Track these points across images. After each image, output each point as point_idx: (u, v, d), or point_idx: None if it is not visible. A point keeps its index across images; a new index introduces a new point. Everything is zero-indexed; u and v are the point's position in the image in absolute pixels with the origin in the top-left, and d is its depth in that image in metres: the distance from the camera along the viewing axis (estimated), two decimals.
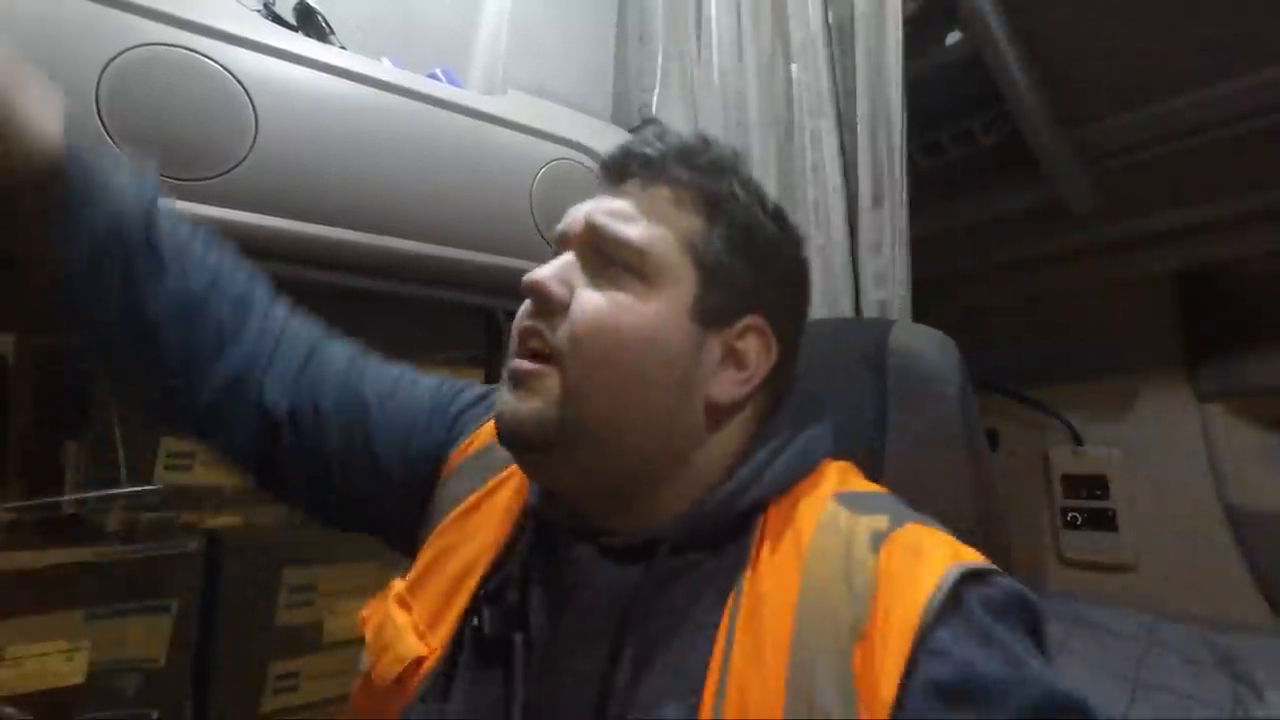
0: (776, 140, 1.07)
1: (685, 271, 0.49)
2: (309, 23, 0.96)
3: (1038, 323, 1.33)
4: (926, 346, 0.61)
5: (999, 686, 0.36)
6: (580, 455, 0.47)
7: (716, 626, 0.43)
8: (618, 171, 0.53)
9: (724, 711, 0.40)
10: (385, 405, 0.61)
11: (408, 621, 0.52)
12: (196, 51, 0.77)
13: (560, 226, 0.53)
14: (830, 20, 1.04)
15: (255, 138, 0.80)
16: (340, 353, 0.64)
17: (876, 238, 0.95)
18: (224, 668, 1.06)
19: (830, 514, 0.46)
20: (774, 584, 0.43)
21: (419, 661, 0.50)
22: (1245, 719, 1.00)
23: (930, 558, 0.41)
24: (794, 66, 1.05)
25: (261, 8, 0.92)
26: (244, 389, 0.57)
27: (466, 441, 0.61)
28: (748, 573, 0.45)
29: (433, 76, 1.01)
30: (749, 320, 0.50)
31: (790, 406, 0.53)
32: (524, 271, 0.50)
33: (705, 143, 0.53)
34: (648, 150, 0.52)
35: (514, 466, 0.56)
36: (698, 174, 0.51)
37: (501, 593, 0.49)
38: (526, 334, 0.49)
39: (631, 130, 1.29)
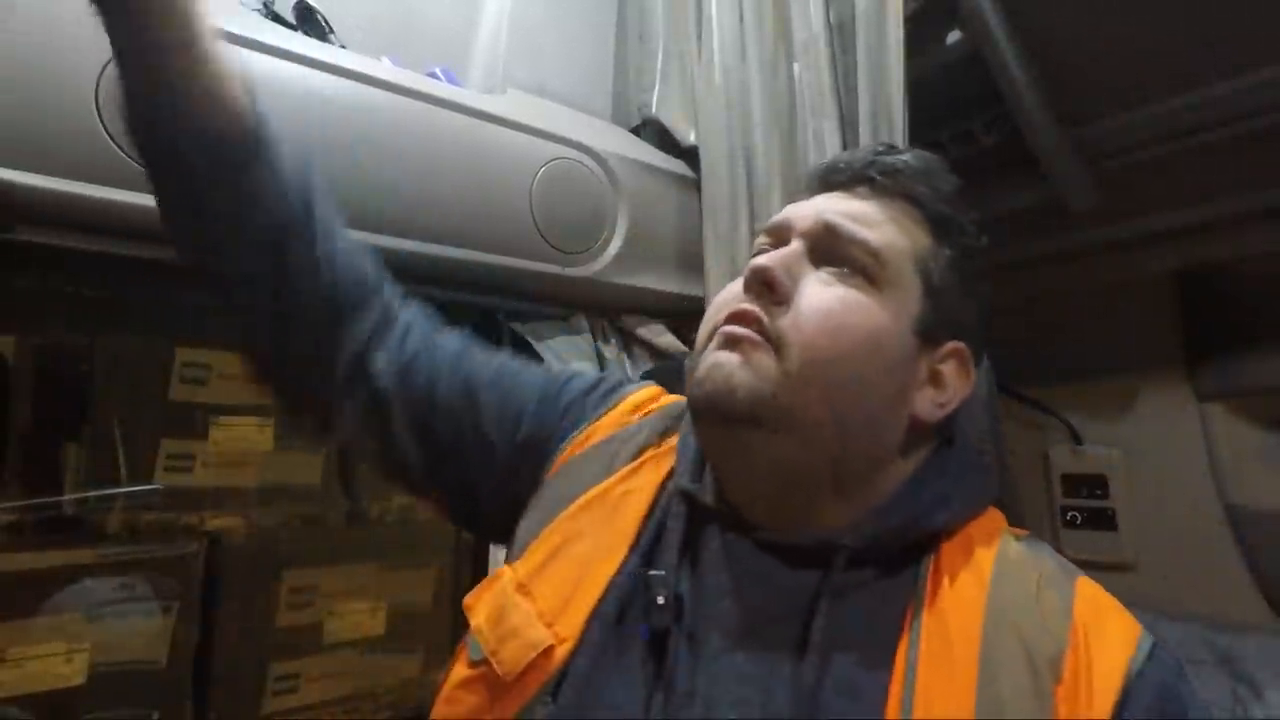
0: (779, 139, 1.07)
1: (913, 285, 0.50)
2: (308, 22, 0.96)
3: (1038, 323, 1.32)
4: None
5: None
6: (781, 441, 0.46)
7: (895, 647, 0.43)
8: (851, 176, 0.54)
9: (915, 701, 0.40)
10: (494, 392, 0.61)
11: (533, 609, 0.49)
12: None
13: (780, 218, 0.53)
14: (831, 19, 1.04)
15: None
16: (452, 340, 0.65)
17: None
18: (224, 668, 1.06)
19: (1007, 546, 0.48)
20: (956, 610, 0.44)
21: (548, 651, 0.47)
22: (1245, 719, 1.00)
23: (1120, 616, 0.45)
24: (796, 66, 1.05)
25: (261, 7, 0.92)
26: (364, 363, 0.58)
27: (584, 434, 0.60)
28: (927, 597, 0.45)
29: (432, 76, 1.01)
30: (953, 345, 0.52)
31: (960, 446, 0.54)
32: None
33: (941, 165, 0.54)
34: (892, 161, 0.52)
35: (649, 455, 0.56)
36: (935, 194, 0.52)
37: (651, 582, 0.48)
38: (744, 317, 0.48)
39: (633, 130, 1.29)
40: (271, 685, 1.12)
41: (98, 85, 0.71)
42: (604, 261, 1.07)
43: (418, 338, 0.62)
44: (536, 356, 1.11)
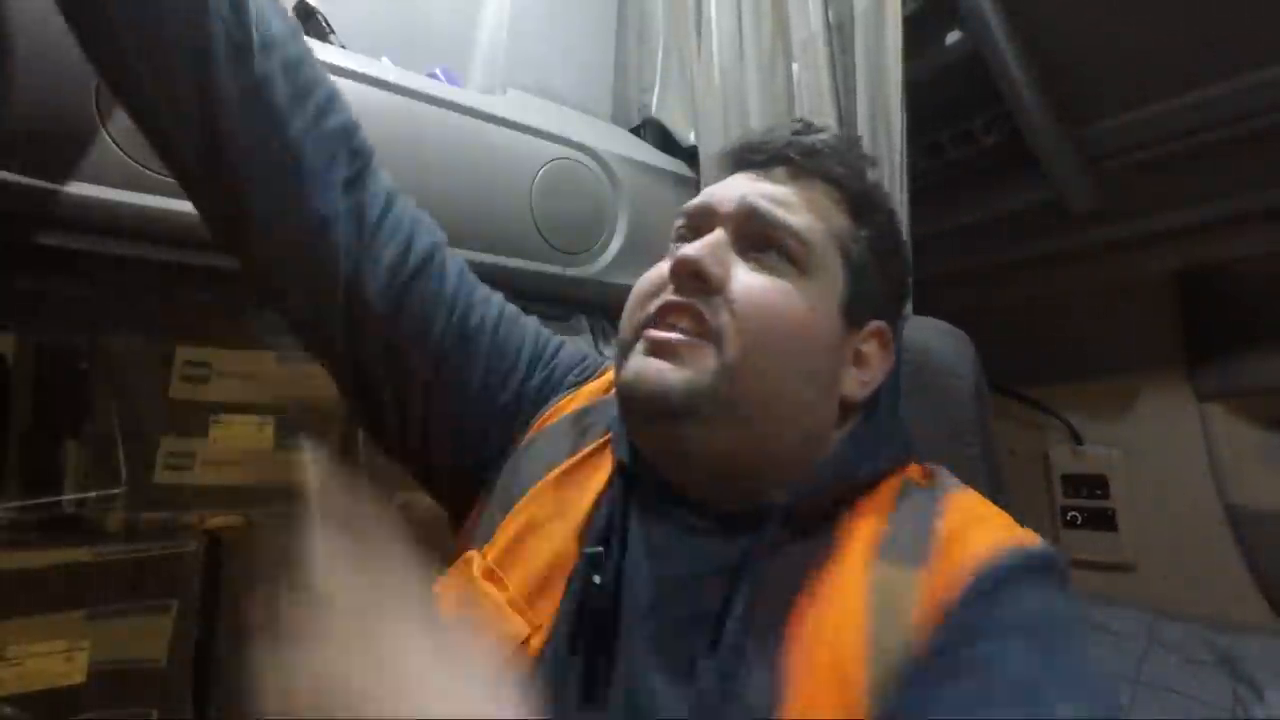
0: None
1: (836, 268, 0.50)
2: (309, 22, 0.96)
3: (1037, 322, 1.32)
4: (940, 341, 0.62)
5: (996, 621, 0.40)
6: (720, 431, 0.46)
7: (804, 598, 0.43)
8: (769, 157, 0.52)
9: (806, 652, 0.41)
10: (490, 343, 0.59)
11: (500, 597, 0.48)
12: None
13: (700, 202, 0.53)
14: (830, 19, 1.04)
15: None
16: (453, 265, 0.62)
17: None
18: (224, 669, 1.06)
19: (910, 486, 0.49)
20: (856, 557, 0.44)
21: (525, 641, 0.46)
22: (1245, 719, 1.00)
23: (987, 526, 0.45)
24: (794, 66, 1.05)
25: None
26: (356, 278, 0.53)
27: (564, 400, 0.59)
28: (837, 549, 0.45)
29: (432, 76, 1.01)
30: (874, 326, 0.52)
31: (885, 411, 0.54)
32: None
33: (856, 143, 0.54)
34: (810, 141, 0.51)
35: (604, 441, 0.55)
36: (851, 175, 0.51)
37: (592, 560, 0.47)
38: (676, 310, 0.47)
39: (633, 130, 1.29)
40: None
41: (98, 85, 0.71)
42: (604, 261, 1.07)
43: (417, 250, 0.57)
44: None
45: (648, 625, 0.45)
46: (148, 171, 0.74)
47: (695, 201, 0.53)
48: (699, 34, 1.18)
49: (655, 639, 0.44)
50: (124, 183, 0.73)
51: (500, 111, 1.00)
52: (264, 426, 1.18)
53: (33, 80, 0.70)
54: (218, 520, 1.12)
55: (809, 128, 0.53)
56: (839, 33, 1.04)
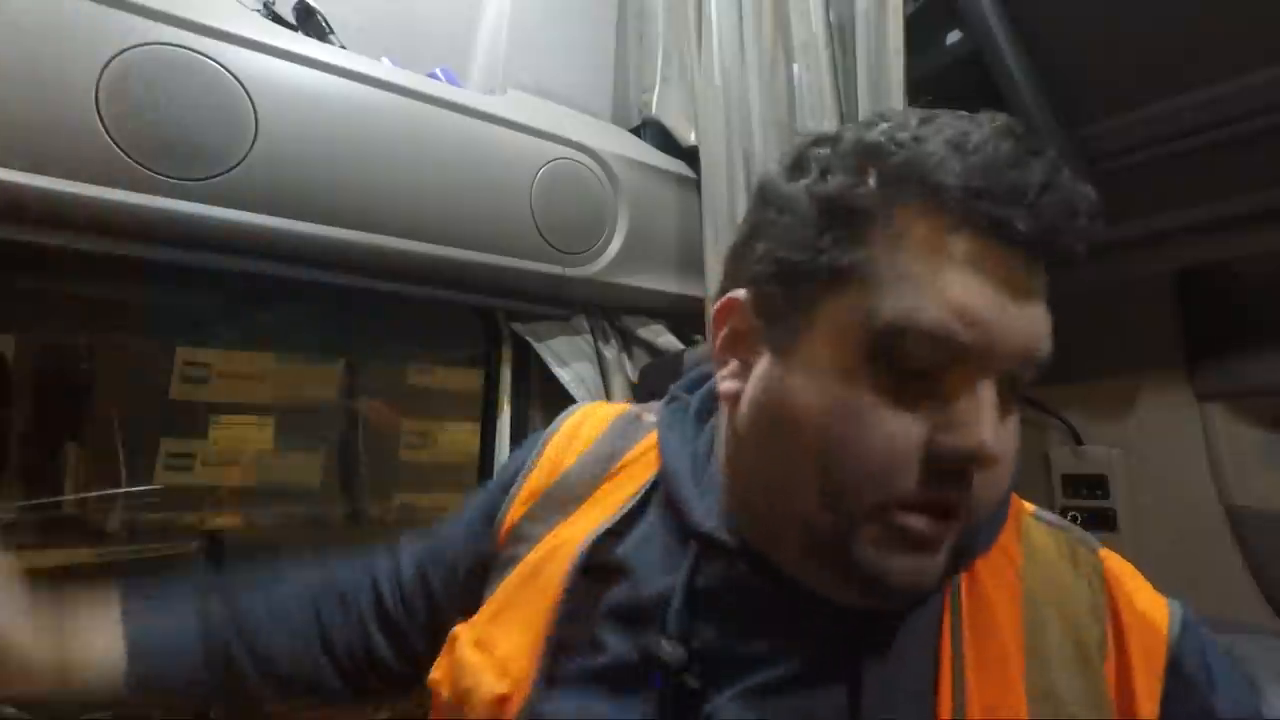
0: (778, 140, 1.07)
1: None
2: (309, 22, 0.96)
3: None
4: None
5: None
6: None
7: (937, 644, 0.42)
8: (1038, 249, 0.39)
9: None
10: (445, 582, 0.61)
11: (485, 662, 0.47)
12: (196, 51, 0.77)
13: (974, 338, 0.37)
14: (831, 20, 1.04)
15: (255, 137, 0.80)
16: (403, 577, 0.63)
17: None
18: None
19: (1028, 523, 0.47)
20: (994, 597, 0.43)
21: (502, 700, 0.45)
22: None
23: (1144, 582, 0.46)
24: (795, 66, 1.05)
25: (261, 7, 0.92)
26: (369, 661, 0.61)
27: (522, 497, 0.57)
28: (963, 589, 0.43)
29: (433, 76, 1.01)
30: None
31: None
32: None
33: (1085, 189, 0.40)
34: (1077, 237, 0.39)
35: (599, 493, 0.54)
36: (1084, 244, 0.40)
37: (648, 614, 0.45)
38: (947, 504, 0.38)
39: (633, 130, 1.29)
40: None
41: (98, 85, 0.71)
42: (604, 262, 1.07)
43: (426, 613, 0.61)
44: (537, 357, 1.11)
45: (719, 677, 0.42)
46: (148, 171, 0.74)
47: (965, 334, 0.37)
48: (699, 34, 1.18)
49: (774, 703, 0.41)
50: (124, 183, 0.73)
51: (500, 111, 1.00)
52: (264, 426, 1.18)
53: (33, 80, 0.70)
54: (218, 520, 1.12)
55: (1044, 146, 0.39)
56: (840, 33, 1.04)
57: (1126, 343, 1.24)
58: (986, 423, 0.37)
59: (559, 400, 1.08)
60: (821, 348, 0.40)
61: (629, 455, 0.55)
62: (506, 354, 1.13)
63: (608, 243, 1.08)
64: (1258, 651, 1.05)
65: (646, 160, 1.16)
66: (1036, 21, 0.94)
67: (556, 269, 1.03)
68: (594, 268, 1.07)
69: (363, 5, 1.06)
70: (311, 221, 0.84)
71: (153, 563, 1.02)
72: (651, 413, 0.58)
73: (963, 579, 0.44)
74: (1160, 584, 0.47)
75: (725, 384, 0.46)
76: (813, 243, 0.40)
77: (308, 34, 0.93)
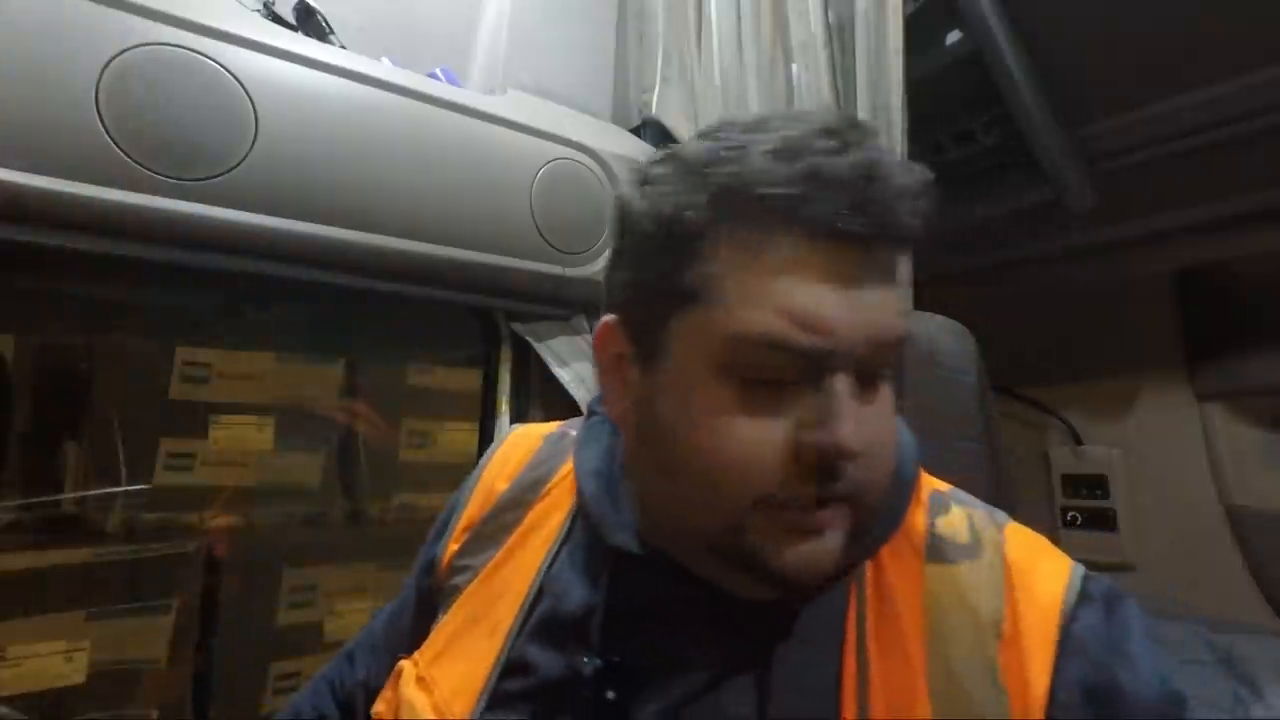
0: None
1: None
2: (309, 22, 0.96)
3: (1037, 322, 1.32)
4: (943, 336, 0.62)
5: (1132, 688, 0.40)
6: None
7: (844, 632, 0.42)
8: (866, 237, 0.38)
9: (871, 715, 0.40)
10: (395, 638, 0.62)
11: (426, 702, 0.48)
12: (196, 51, 0.77)
13: (815, 343, 0.38)
14: (831, 20, 1.04)
15: (255, 137, 0.80)
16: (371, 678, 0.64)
17: None
18: (224, 668, 1.06)
19: (936, 505, 0.47)
20: (898, 587, 0.43)
21: None
22: (1245, 719, 1.00)
23: (1049, 555, 0.44)
24: (794, 66, 1.05)
25: (261, 7, 0.92)
26: None
27: (459, 529, 0.57)
28: (868, 582, 0.44)
29: (433, 76, 1.01)
30: None
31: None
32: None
33: (912, 169, 0.40)
34: (911, 219, 0.39)
35: (532, 516, 0.54)
36: (926, 215, 0.40)
37: (572, 630, 0.46)
38: (825, 496, 0.39)
39: (633, 130, 1.29)
40: (272, 684, 1.12)
41: (98, 85, 0.71)
42: (604, 261, 1.07)
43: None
44: (536, 357, 1.11)
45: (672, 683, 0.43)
46: (148, 171, 0.74)
47: (800, 338, 0.38)
48: (699, 34, 1.18)
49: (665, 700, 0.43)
50: (124, 183, 0.73)
51: (500, 111, 1.00)
52: (264, 426, 1.18)
53: (33, 79, 0.70)
54: (218, 520, 1.12)
55: (890, 158, 0.39)
56: (839, 33, 1.04)
57: (1126, 343, 1.24)
58: (841, 417, 0.37)
59: (559, 400, 1.08)
60: (680, 364, 0.41)
61: (556, 476, 0.56)
62: (506, 354, 1.13)
63: (608, 243, 1.08)
64: (1258, 651, 1.05)
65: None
66: (1036, 21, 0.94)
67: (556, 269, 1.03)
68: (594, 268, 1.07)
69: (363, 5, 1.06)
70: (311, 221, 0.84)
71: (153, 562, 1.02)
72: (574, 429, 0.59)
73: (868, 566, 0.44)
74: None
75: (610, 407, 0.48)
76: (658, 264, 0.42)
77: (308, 34, 0.93)
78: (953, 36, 1.03)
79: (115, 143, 0.72)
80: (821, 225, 0.37)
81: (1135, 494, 1.24)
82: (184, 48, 0.76)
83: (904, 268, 0.41)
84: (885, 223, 0.38)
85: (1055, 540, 1.53)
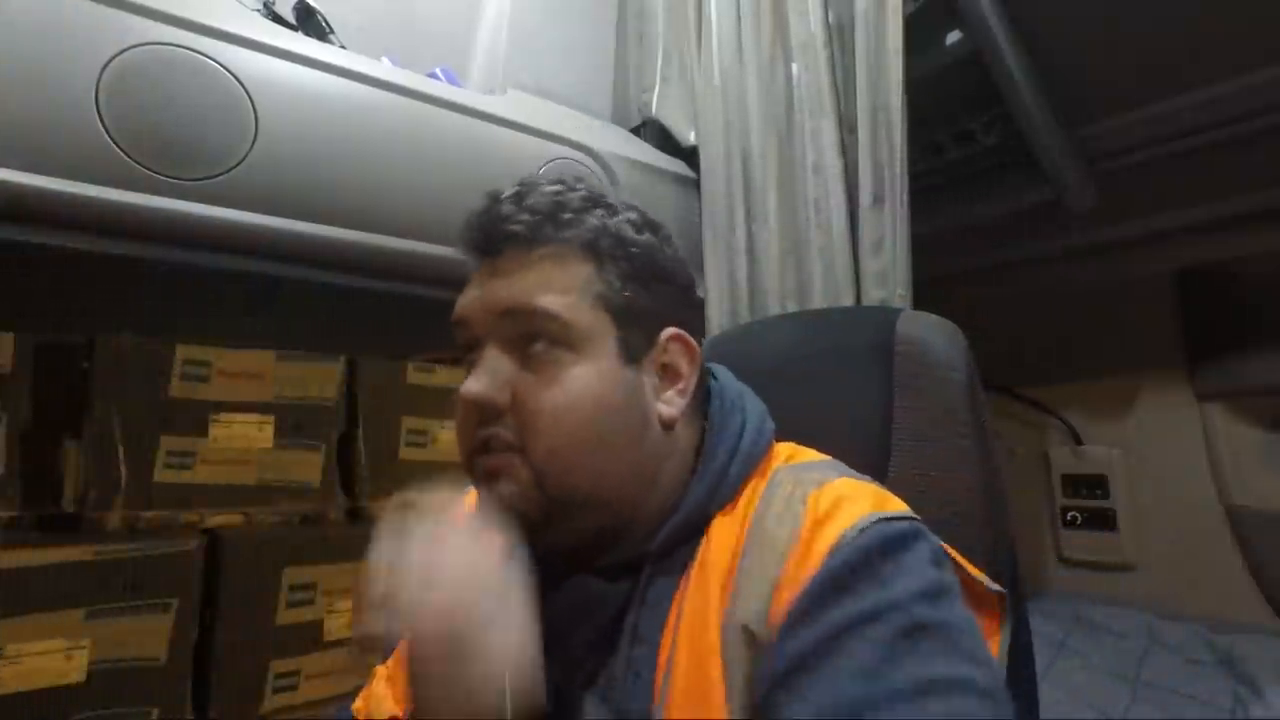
0: (777, 140, 1.07)
1: (601, 322, 0.49)
2: (309, 22, 0.96)
3: (1038, 322, 1.33)
4: (934, 335, 0.61)
5: (870, 594, 0.40)
6: (573, 523, 0.48)
7: (675, 592, 0.47)
8: (494, 240, 0.50)
9: (672, 675, 0.44)
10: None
11: (391, 693, 0.54)
12: (197, 51, 0.77)
13: (456, 317, 0.51)
14: (830, 20, 1.04)
15: (255, 137, 0.80)
16: None
17: (877, 237, 0.95)
18: (224, 667, 1.06)
19: (774, 483, 0.49)
20: (720, 538, 0.47)
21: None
22: (1245, 719, 1.00)
23: (855, 500, 0.45)
24: (794, 66, 1.05)
25: (261, 7, 0.92)
26: None
27: None
28: (699, 554, 0.47)
29: (433, 76, 1.01)
30: (667, 334, 0.52)
31: (723, 396, 0.54)
32: None
33: (560, 189, 0.51)
34: (517, 228, 0.49)
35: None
36: (568, 227, 0.50)
37: None
38: (481, 444, 0.48)
39: (633, 130, 1.29)
40: (271, 683, 1.12)
41: (98, 85, 0.71)
42: None
43: None
44: None
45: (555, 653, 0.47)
46: (148, 171, 0.74)
47: (454, 316, 0.52)
48: (699, 34, 1.18)
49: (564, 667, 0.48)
50: (124, 183, 0.73)
51: (500, 111, 1.00)
52: (264, 426, 1.18)
53: (33, 80, 0.70)
54: (218, 520, 1.12)
55: (517, 194, 0.51)
56: (839, 33, 1.04)
57: (1126, 342, 1.24)
58: (473, 376, 0.48)
59: None
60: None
61: None
62: None
63: None
64: (1258, 651, 1.06)
65: (646, 160, 1.16)
66: (1036, 21, 0.94)
67: None
68: None
69: (363, 5, 1.06)
70: (311, 221, 0.84)
71: (153, 561, 1.02)
72: None
73: (707, 531, 0.49)
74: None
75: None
76: None
77: (308, 34, 0.93)
78: (953, 36, 1.03)
79: (115, 142, 0.72)
80: (466, 249, 0.52)
81: (1135, 494, 1.24)
82: (184, 47, 0.76)
83: (569, 262, 0.51)
84: (490, 235, 0.50)
85: (1055, 540, 1.54)
